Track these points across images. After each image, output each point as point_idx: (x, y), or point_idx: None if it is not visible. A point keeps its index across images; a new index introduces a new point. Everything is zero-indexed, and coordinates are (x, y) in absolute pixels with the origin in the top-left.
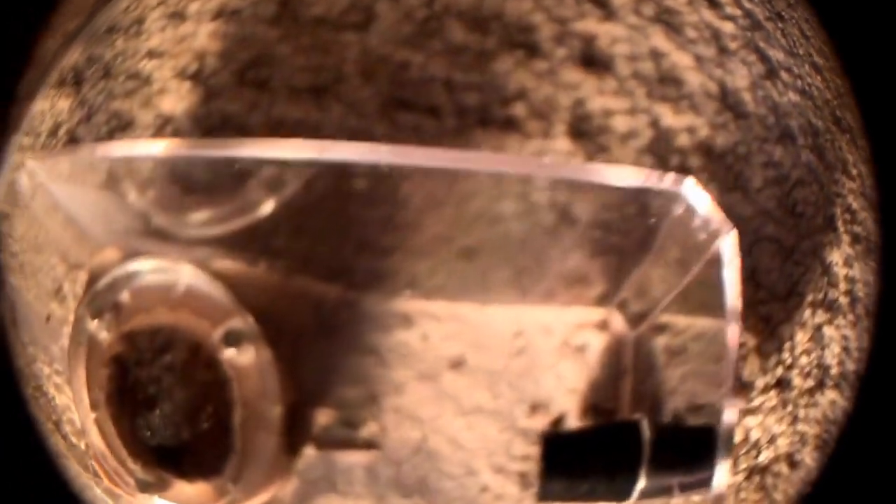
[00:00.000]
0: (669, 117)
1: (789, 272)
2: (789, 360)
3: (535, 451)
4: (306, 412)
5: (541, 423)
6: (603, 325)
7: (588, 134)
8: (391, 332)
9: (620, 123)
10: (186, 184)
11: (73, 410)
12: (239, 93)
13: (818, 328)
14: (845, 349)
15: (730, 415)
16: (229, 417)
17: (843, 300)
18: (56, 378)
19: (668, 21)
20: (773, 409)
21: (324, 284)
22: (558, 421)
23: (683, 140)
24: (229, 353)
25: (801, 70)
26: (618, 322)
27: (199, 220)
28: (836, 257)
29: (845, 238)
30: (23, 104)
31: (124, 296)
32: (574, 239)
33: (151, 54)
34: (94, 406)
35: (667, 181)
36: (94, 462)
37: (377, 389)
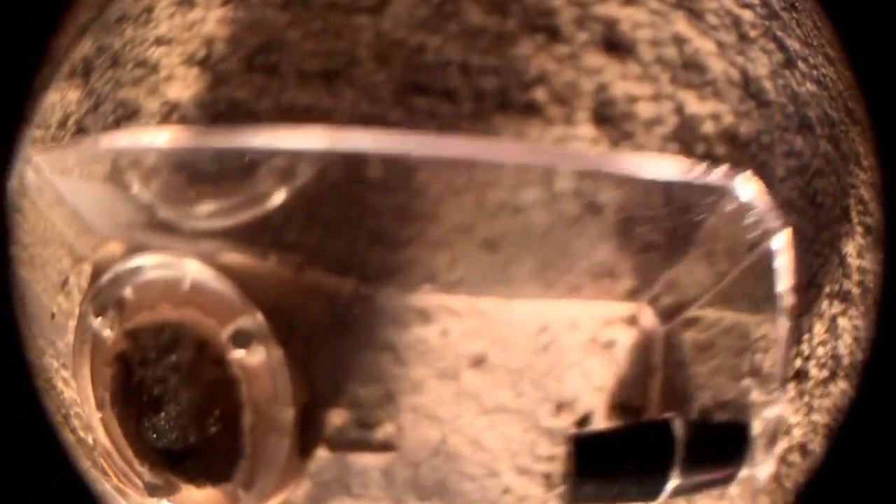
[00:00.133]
0: (694, 104)
1: (809, 263)
2: (807, 352)
3: (560, 451)
4: (319, 413)
5: (566, 422)
6: (632, 321)
7: (612, 120)
8: (409, 328)
9: (645, 109)
10: (192, 174)
11: (79, 405)
12: (248, 78)
13: (833, 319)
14: (856, 339)
15: (777, 409)
16: (238, 420)
17: (856, 291)
18: (63, 372)
19: (689, 7)
20: (791, 400)
21: (337, 279)
22: (584, 420)
23: (709, 127)
24: (238, 354)
25: (816, 60)
26: (647, 317)
27: (206, 211)
28: (850, 248)
29: (858, 229)
30: (36, 98)
31: (127, 292)
32: (601, 230)
33: (159, 41)
34: (99, 405)
35: (716, 175)
36: (102, 460)
37: (394, 388)
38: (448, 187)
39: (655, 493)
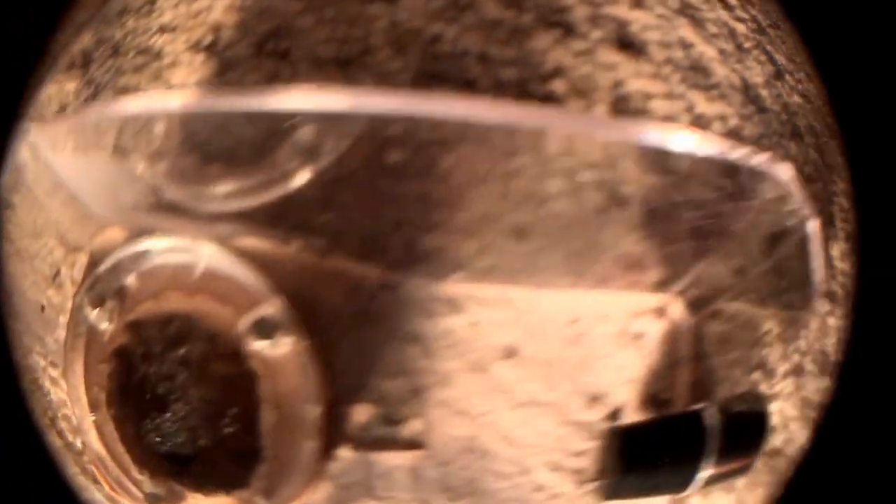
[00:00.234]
0: (703, 104)
1: (796, 265)
2: (804, 347)
3: (592, 446)
4: (342, 409)
5: (597, 416)
6: (661, 312)
7: (629, 115)
8: (437, 318)
9: (659, 107)
10: (206, 151)
11: (69, 407)
12: (257, 64)
13: (824, 318)
14: (838, 340)
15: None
16: (257, 419)
17: (840, 293)
18: (52, 371)
19: (692, 14)
20: (790, 394)
21: (362, 266)
22: (615, 413)
23: (717, 128)
24: (259, 345)
25: (799, 75)
26: (676, 309)
27: (222, 192)
28: (835, 252)
29: (840, 234)
30: (32, 93)
31: (130, 280)
32: (627, 221)
33: (164, 29)
34: (93, 406)
35: (759, 160)
36: (94, 467)
37: (421, 382)
38: (473, 173)
39: (687, 483)
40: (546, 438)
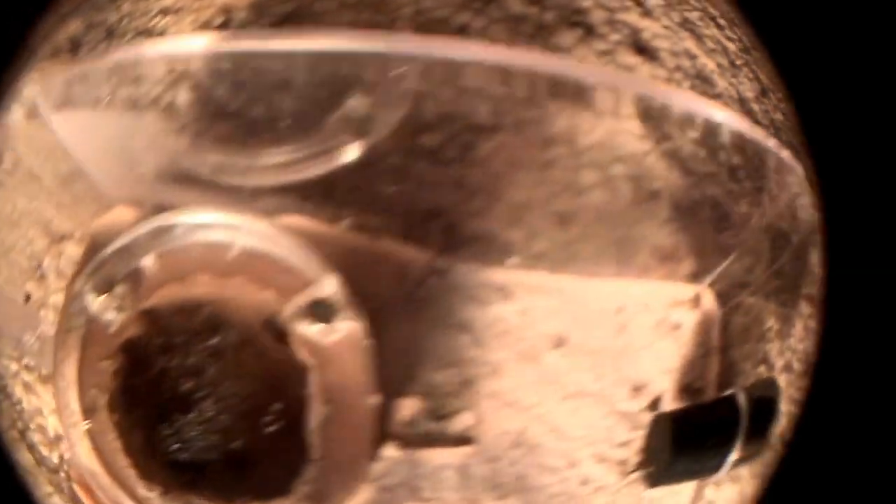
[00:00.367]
0: (711, 112)
1: (795, 266)
2: (794, 345)
3: (635, 436)
4: (388, 404)
5: (640, 405)
6: (695, 303)
7: (653, 118)
8: (487, 305)
9: (677, 111)
10: (244, 116)
11: (44, 416)
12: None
13: (807, 319)
14: (815, 343)
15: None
16: (305, 416)
17: (818, 297)
18: (25, 376)
19: (691, 29)
20: (783, 390)
21: (411, 249)
22: (655, 403)
23: (726, 137)
24: (310, 331)
25: (779, 94)
26: (708, 300)
27: (264, 163)
28: (815, 258)
29: (818, 243)
30: (10, 84)
31: (147, 261)
32: (659, 214)
33: (166, 11)
34: (87, 412)
35: (784, 153)
36: (78, 486)
37: (472, 373)
38: (512, 160)
39: (720, 466)
40: (593, 430)
